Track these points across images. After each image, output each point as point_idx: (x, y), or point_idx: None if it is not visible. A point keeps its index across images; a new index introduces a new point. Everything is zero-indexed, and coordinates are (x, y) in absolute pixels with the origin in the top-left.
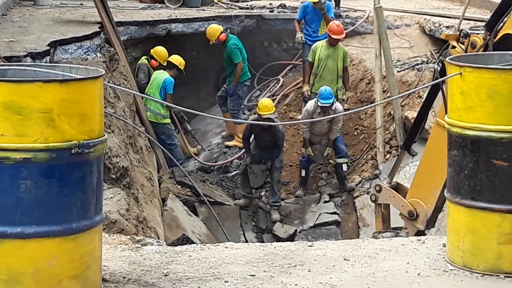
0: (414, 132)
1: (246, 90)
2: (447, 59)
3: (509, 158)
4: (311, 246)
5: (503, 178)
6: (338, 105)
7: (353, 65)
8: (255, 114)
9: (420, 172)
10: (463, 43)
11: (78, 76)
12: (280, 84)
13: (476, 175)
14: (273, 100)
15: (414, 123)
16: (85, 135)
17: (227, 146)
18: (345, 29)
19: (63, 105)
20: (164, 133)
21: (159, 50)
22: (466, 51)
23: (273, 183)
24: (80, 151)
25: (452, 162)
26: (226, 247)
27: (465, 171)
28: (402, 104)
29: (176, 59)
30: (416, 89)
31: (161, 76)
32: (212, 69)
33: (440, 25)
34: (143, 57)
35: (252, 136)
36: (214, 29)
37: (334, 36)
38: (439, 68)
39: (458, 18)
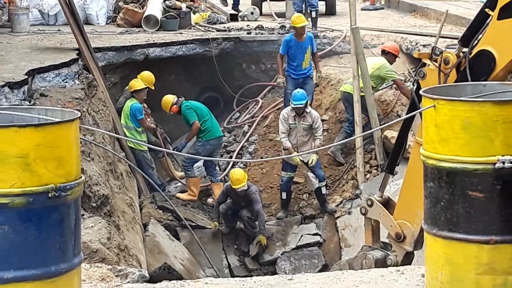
0: (396, 154)
1: (209, 149)
2: (421, 91)
3: (484, 190)
4: (290, 279)
5: (479, 209)
6: (313, 111)
7: (331, 85)
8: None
9: (404, 192)
10: (436, 61)
11: (54, 120)
12: (259, 105)
13: (452, 206)
14: (252, 122)
15: (395, 145)
16: (62, 178)
17: (178, 198)
18: (323, 49)
19: (39, 149)
20: (140, 161)
21: (145, 75)
22: (439, 68)
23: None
24: (57, 194)
25: (429, 194)
26: (206, 283)
27: (442, 203)
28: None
29: (129, 85)
30: (403, 117)
31: (128, 103)
32: (191, 93)
33: (417, 43)
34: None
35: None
36: (166, 101)
37: None
38: (414, 88)
39: (435, 36)
